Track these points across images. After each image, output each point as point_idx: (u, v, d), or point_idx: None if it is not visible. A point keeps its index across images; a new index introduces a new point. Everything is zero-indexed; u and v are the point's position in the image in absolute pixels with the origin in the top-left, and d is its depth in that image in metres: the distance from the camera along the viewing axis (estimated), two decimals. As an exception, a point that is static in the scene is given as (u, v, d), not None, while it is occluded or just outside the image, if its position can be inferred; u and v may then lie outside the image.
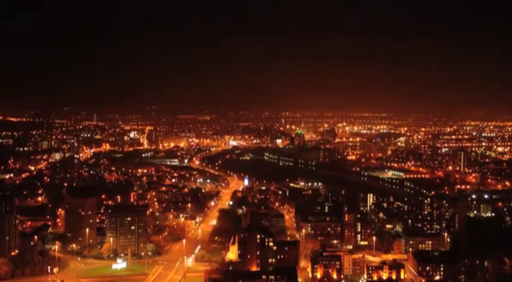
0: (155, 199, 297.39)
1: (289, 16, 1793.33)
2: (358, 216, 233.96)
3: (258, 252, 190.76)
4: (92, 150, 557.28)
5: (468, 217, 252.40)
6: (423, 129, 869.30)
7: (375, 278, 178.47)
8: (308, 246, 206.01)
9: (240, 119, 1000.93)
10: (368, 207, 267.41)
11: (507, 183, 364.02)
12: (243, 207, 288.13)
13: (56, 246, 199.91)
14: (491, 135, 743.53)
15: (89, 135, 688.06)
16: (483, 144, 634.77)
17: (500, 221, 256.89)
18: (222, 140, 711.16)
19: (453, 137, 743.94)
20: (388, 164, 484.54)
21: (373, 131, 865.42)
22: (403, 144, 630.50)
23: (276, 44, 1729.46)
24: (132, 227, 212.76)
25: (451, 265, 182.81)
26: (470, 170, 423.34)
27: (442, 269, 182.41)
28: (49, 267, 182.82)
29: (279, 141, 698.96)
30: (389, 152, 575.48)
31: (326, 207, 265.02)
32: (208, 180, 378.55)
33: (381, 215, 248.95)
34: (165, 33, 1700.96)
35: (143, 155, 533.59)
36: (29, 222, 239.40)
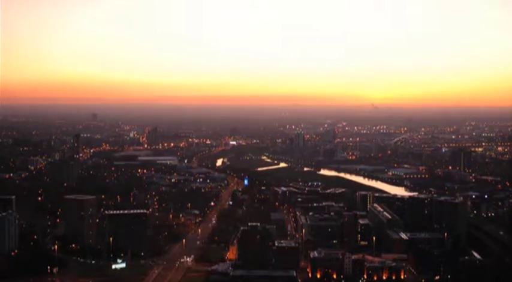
0: (155, 199, 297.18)
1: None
2: (358, 216, 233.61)
3: (258, 253, 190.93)
4: (91, 150, 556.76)
5: (468, 217, 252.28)
6: (423, 129, 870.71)
7: (375, 278, 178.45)
8: (308, 246, 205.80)
9: (240, 119, 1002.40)
10: (368, 207, 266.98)
11: (507, 183, 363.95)
12: (243, 207, 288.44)
13: (56, 246, 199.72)
14: (491, 135, 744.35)
15: (89, 135, 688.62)
16: (483, 144, 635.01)
17: (500, 221, 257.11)
18: (222, 140, 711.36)
19: (453, 137, 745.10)
20: (388, 164, 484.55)
21: (373, 131, 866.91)
22: (403, 144, 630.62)
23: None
24: (132, 227, 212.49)
25: (451, 265, 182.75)
26: (470, 170, 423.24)
27: (442, 269, 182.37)
28: (49, 267, 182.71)
29: (278, 141, 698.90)
30: (389, 152, 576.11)
31: (326, 207, 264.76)
32: (208, 180, 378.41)
33: (381, 215, 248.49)
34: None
35: (143, 155, 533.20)
36: (29, 222, 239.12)
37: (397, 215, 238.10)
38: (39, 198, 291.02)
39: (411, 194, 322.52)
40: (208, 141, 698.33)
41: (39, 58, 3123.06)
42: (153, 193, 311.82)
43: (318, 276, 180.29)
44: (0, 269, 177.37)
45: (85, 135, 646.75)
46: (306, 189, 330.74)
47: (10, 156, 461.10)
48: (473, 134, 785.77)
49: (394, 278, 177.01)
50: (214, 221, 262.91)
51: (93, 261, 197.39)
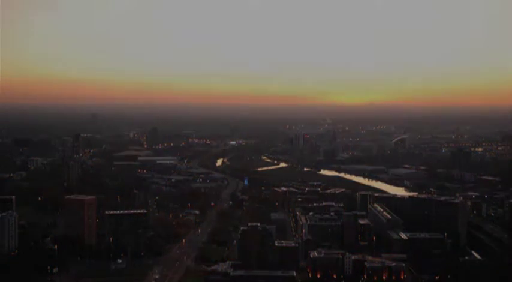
0: (155, 199, 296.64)
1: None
2: (358, 216, 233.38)
3: (258, 253, 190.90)
4: (91, 150, 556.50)
5: (468, 217, 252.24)
6: (423, 129, 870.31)
7: (375, 278, 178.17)
8: (308, 246, 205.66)
9: (240, 119, 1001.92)
10: (368, 207, 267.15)
11: (507, 183, 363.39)
12: (243, 207, 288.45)
13: (56, 246, 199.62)
14: (491, 135, 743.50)
15: (89, 135, 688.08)
16: (483, 144, 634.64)
17: (500, 221, 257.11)
18: (222, 140, 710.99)
19: (453, 137, 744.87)
20: (388, 164, 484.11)
21: (373, 131, 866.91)
22: (403, 144, 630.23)
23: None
24: (132, 227, 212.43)
25: (451, 265, 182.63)
26: (470, 170, 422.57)
27: (442, 269, 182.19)
28: (49, 267, 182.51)
29: (278, 141, 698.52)
30: (389, 152, 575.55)
31: (326, 207, 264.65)
32: (208, 180, 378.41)
33: (381, 215, 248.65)
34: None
35: (143, 155, 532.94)
36: (30, 222, 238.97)
37: (397, 215, 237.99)
38: (39, 198, 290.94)
39: (411, 194, 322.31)
40: (208, 141, 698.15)
41: (39, 58, 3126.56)
42: (153, 193, 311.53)
43: (318, 276, 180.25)
44: (0, 269, 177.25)
45: (85, 135, 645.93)
46: (306, 189, 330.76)
47: (10, 156, 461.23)
48: (473, 134, 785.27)
49: (394, 278, 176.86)
50: (214, 221, 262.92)
51: (93, 261, 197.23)
